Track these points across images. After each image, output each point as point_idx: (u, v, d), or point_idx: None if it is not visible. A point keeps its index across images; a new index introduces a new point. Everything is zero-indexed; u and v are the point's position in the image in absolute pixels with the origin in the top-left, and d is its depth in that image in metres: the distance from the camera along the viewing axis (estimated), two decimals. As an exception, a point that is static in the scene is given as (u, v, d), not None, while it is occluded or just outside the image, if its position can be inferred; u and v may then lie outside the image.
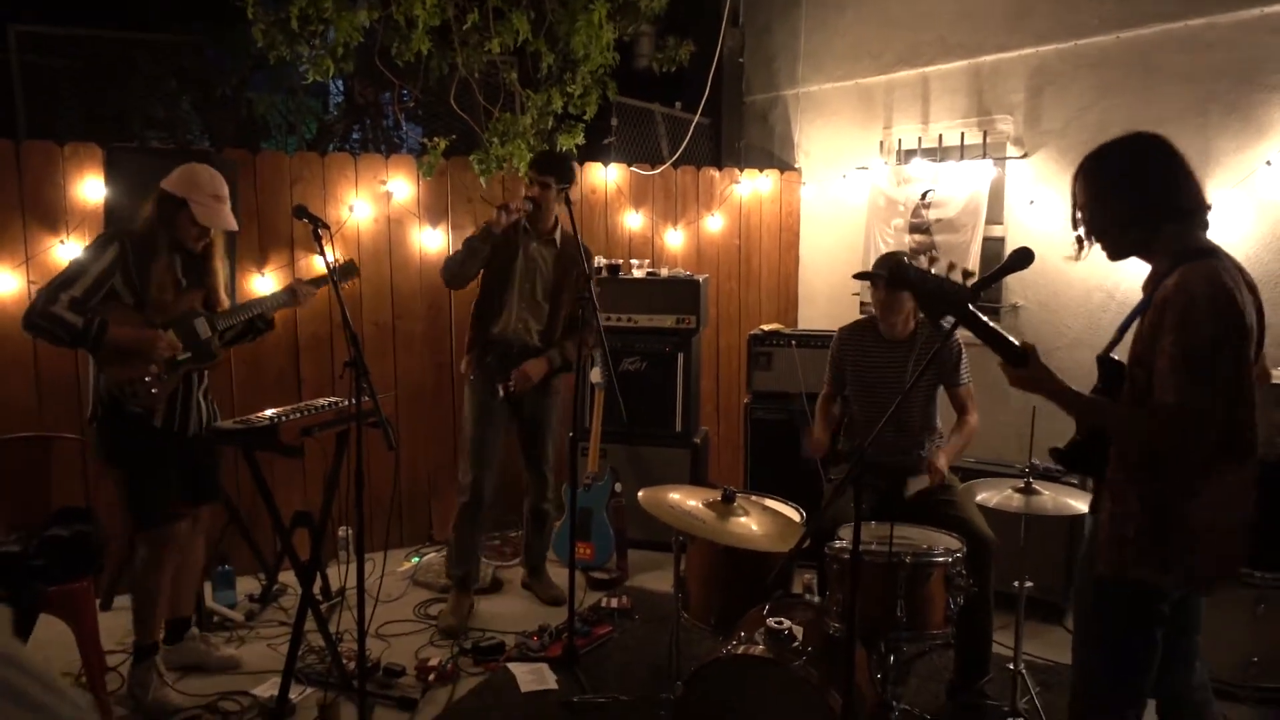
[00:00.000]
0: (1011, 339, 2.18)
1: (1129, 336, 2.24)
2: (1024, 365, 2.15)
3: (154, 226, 3.27)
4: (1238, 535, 2.15)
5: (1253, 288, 2.13)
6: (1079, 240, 2.27)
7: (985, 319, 2.18)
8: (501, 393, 4.07)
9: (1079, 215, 2.26)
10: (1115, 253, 2.25)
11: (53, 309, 3.09)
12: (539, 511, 4.41)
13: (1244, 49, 3.91)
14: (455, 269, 4.03)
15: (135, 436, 3.30)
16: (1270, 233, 3.88)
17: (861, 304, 5.54)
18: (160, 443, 3.34)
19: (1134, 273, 2.26)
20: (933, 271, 2.22)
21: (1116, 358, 2.29)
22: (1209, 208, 2.20)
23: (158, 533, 3.39)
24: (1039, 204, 4.69)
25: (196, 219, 3.26)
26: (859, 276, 3.92)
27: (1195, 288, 2.02)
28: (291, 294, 3.60)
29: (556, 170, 4.05)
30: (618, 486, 4.83)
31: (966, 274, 4.53)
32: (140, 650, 3.40)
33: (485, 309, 4.14)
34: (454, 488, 4.27)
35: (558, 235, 4.16)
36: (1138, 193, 2.17)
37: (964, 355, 3.63)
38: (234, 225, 3.43)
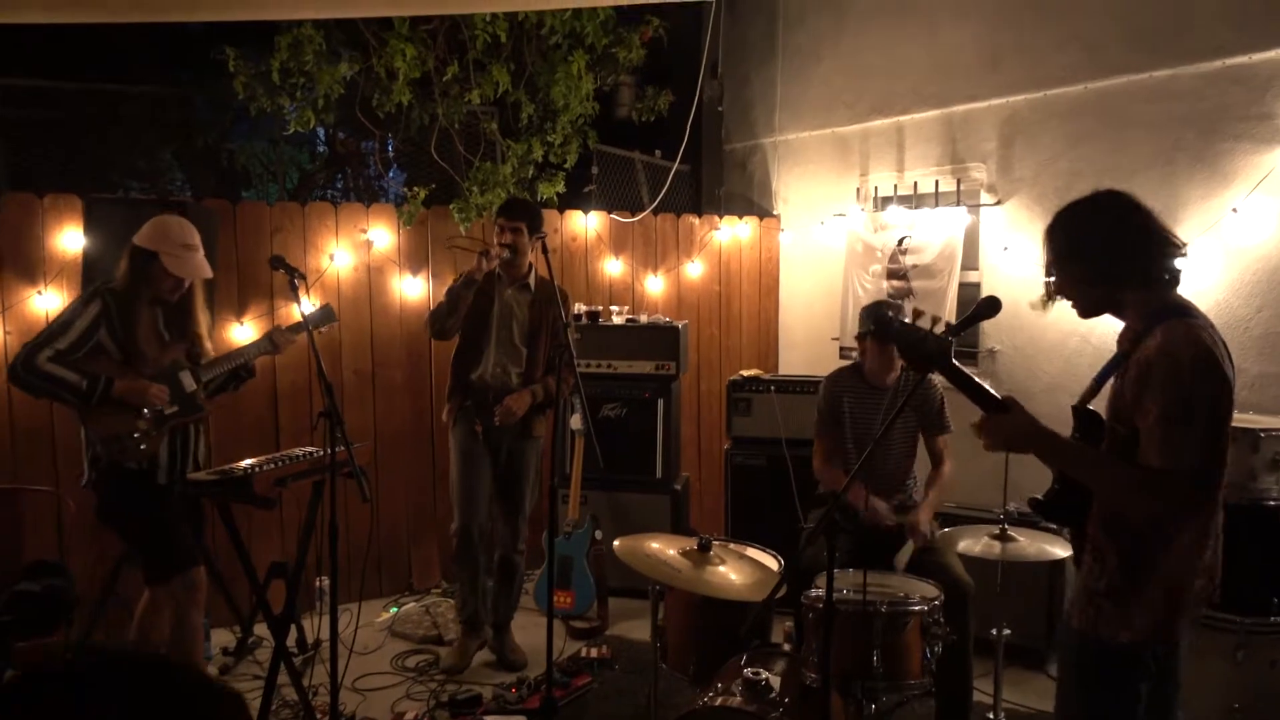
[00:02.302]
0: (993, 391, 2.19)
1: (1106, 389, 2.24)
2: (1007, 413, 2.14)
3: (130, 282, 3.26)
4: (1193, 583, 2.14)
5: (1223, 342, 2.14)
6: (1046, 293, 2.25)
7: (967, 371, 2.19)
8: (480, 430, 4.06)
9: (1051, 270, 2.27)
10: (1084, 311, 2.24)
11: (40, 365, 3.09)
12: (509, 562, 4.22)
13: (1208, 99, 3.99)
14: (442, 320, 4.06)
15: (139, 496, 3.25)
16: (1239, 279, 3.94)
17: (841, 349, 5.58)
18: (167, 498, 3.31)
19: (1109, 318, 2.26)
20: (916, 324, 2.22)
21: (1093, 409, 2.29)
22: (1182, 255, 2.19)
23: (183, 578, 3.30)
24: (1013, 250, 4.75)
25: (169, 270, 3.26)
26: (861, 338, 3.83)
27: (1179, 350, 2.02)
28: (270, 341, 3.62)
29: (528, 215, 4.11)
30: (598, 534, 4.80)
31: (947, 325, 4.54)
32: None
33: (464, 356, 4.15)
34: (435, 536, 4.23)
35: (531, 279, 4.18)
36: (1099, 254, 2.15)
37: (945, 403, 3.67)
38: (208, 273, 3.41)
